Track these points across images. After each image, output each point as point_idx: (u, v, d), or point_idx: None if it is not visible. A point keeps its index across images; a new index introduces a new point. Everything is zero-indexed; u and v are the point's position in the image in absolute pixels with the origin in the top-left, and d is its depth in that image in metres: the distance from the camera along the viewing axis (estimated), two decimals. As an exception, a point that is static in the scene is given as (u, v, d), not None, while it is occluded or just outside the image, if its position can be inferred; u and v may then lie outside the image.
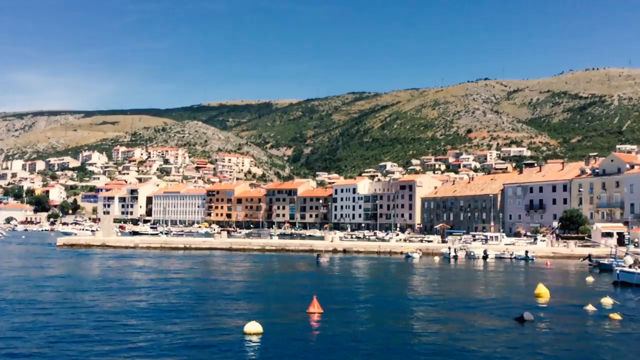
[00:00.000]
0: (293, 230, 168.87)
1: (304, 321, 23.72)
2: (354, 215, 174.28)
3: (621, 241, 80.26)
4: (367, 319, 25.18)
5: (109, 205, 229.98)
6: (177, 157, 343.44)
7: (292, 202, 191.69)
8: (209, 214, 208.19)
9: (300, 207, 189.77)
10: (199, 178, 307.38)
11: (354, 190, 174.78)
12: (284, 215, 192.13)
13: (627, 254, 50.69)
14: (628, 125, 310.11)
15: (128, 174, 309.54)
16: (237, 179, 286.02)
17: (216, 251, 75.70)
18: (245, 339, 19.61)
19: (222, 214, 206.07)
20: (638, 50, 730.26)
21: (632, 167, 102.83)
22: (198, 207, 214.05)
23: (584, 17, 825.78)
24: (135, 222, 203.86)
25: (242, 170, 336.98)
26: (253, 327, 20.43)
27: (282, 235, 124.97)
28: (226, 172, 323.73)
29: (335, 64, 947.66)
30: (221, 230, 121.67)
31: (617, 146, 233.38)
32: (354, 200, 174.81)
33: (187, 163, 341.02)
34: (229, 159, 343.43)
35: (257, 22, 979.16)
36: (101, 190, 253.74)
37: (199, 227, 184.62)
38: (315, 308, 25.55)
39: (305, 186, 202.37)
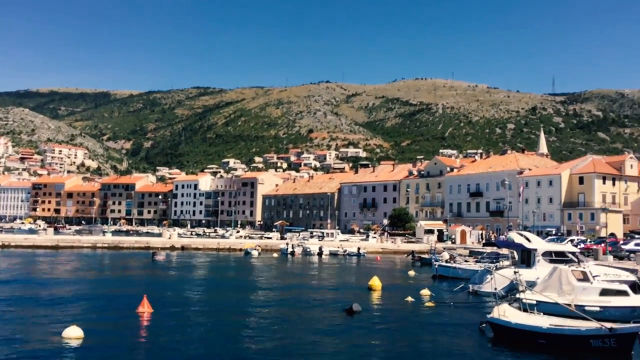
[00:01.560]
0: (130, 227, 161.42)
1: (131, 322, 22.74)
2: (194, 211, 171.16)
3: (441, 237, 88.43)
4: (200, 318, 24.85)
5: None
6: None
7: (129, 197, 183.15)
8: (35, 209, 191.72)
9: (138, 202, 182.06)
10: (23, 170, 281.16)
11: (196, 186, 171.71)
12: (120, 211, 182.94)
13: (444, 250, 55.96)
14: (450, 132, 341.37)
15: None
16: (69, 171, 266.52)
17: (40, 249, 69.63)
18: (63, 345, 18.20)
19: (49, 209, 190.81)
20: (459, 64, 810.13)
21: (452, 170, 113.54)
22: (22, 201, 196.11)
23: (414, 30, 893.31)
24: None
25: (74, 162, 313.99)
26: (72, 331, 18.89)
27: (117, 232, 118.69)
28: (56, 164, 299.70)
29: (179, 57, 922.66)
30: (47, 227, 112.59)
31: (441, 150, 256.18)
32: (195, 197, 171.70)
33: (11, 153, 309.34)
34: (60, 150, 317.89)
35: (94, 5, 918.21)
36: None
37: (22, 223, 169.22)
38: (144, 307, 24.62)
39: (144, 181, 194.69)
